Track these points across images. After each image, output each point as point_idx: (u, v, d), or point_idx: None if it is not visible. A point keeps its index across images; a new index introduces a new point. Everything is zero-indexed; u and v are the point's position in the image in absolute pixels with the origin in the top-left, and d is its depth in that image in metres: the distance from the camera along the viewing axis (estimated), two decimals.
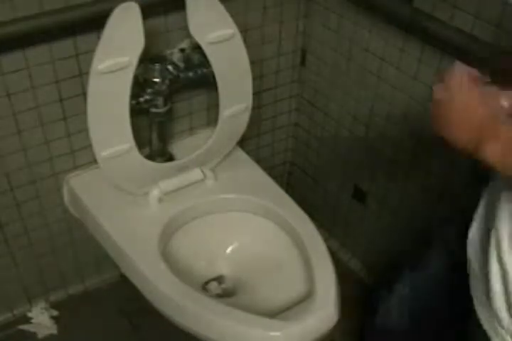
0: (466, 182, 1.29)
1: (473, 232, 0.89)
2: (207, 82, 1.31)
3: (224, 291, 1.34)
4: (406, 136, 1.41)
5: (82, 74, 1.24)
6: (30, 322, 1.59)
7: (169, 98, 1.32)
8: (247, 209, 1.39)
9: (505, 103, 0.73)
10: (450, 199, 1.38)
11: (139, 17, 1.10)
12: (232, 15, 1.21)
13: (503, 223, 0.77)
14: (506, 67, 0.77)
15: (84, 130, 1.24)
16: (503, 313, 0.78)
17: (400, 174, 1.49)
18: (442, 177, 1.37)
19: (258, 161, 1.49)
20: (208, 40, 1.21)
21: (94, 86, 1.14)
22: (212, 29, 1.20)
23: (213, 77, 1.28)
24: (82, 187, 1.37)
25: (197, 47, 1.25)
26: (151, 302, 1.22)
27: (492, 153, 0.70)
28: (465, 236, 0.90)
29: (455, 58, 0.82)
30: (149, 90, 1.26)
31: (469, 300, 0.87)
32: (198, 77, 1.30)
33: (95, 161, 1.28)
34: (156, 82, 1.25)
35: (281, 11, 1.45)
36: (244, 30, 1.33)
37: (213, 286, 1.35)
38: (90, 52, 1.15)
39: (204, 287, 1.34)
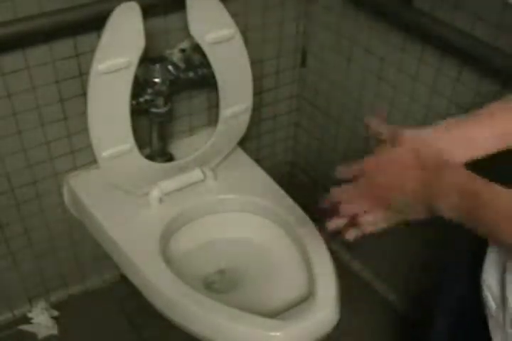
0: None
1: (487, 275, 0.82)
2: (207, 82, 1.31)
3: (223, 291, 1.34)
4: None
5: (82, 74, 1.24)
6: (31, 323, 1.59)
7: (169, 98, 1.31)
8: (247, 210, 1.39)
9: None
10: None
11: (139, 17, 1.10)
12: (232, 15, 1.21)
13: None
14: None
15: (85, 130, 1.24)
16: None
17: None
18: None
19: (258, 161, 1.49)
20: (208, 40, 1.21)
21: (95, 86, 1.14)
22: (212, 29, 1.20)
23: (213, 77, 1.28)
24: (82, 187, 1.37)
25: (197, 48, 1.25)
26: (151, 302, 1.22)
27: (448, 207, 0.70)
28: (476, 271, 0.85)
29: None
30: (149, 90, 1.26)
31: None
32: (198, 78, 1.30)
33: (95, 161, 1.28)
34: (156, 82, 1.25)
35: (281, 11, 1.45)
36: (244, 30, 1.33)
37: (213, 286, 1.35)
38: (90, 52, 1.15)
39: (204, 287, 1.34)
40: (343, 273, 1.27)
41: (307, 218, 1.31)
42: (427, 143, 0.76)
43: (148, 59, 1.22)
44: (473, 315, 0.95)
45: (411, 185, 0.74)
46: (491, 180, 0.69)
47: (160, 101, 1.29)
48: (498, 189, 0.67)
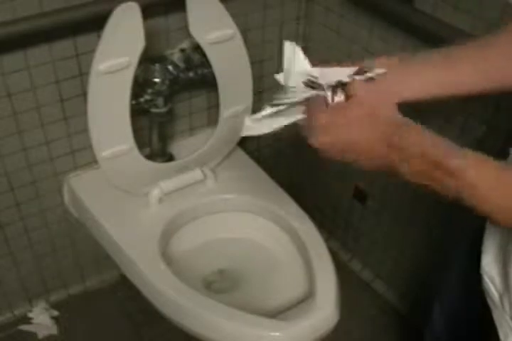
0: None
1: (488, 262, 0.82)
2: (207, 82, 1.31)
3: (223, 291, 1.34)
4: None
5: (82, 74, 1.24)
6: (31, 323, 1.59)
7: (169, 98, 1.31)
8: (247, 210, 1.39)
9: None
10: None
11: (139, 17, 1.10)
12: (232, 15, 1.21)
13: None
14: None
15: (85, 130, 1.24)
16: None
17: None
18: None
19: (258, 161, 1.49)
20: (208, 40, 1.21)
21: (95, 86, 1.14)
22: (212, 29, 1.20)
23: (213, 77, 1.28)
24: (82, 187, 1.37)
25: (197, 48, 1.25)
26: (151, 303, 1.22)
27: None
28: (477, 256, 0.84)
29: None
30: (149, 90, 1.26)
31: None
32: (198, 77, 1.30)
33: (95, 161, 1.28)
34: (156, 82, 1.25)
35: (281, 11, 1.45)
36: (244, 30, 1.33)
37: (213, 286, 1.35)
38: (90, 52, 1.15)
39: (204, 287, 1.34)
40: (343, 273, 1.27)
41: (307, 218, 1.31)
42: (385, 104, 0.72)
43: (148, 59, 1.23)
44: (473, 315, 0.95)
45: (377, 162, 0.71)
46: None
47: (160, 101, 1.29)
48: (462, 156, 0.65)
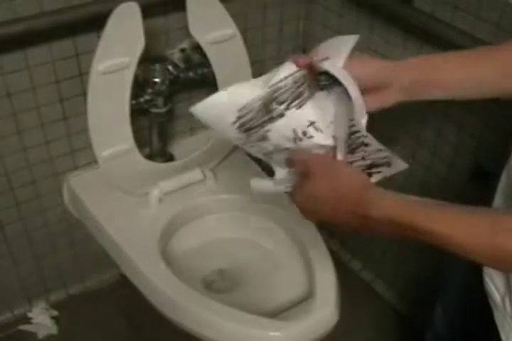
0: (466, 182, 1.29)
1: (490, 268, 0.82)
2: (207, 82, 1.31)
3: (223, 291, 1.34)
4: (405, 135, 1.41)
5: (82, 74, 1.24)
6: (31, 323, 1.59)
7: (169, 98, 1.32)
8: (247, 210, 1.38)
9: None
10: (450, 199, 1.37)
11: (139, 17, 1.10)
12: (232, 15, 1.21)
13: None
14: None
15: (85, 130, 1.24)
16: None
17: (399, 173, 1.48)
18: (442, 177, 1.37)
19: (258, 161, 1.49)
20: (208, 40, 1.21)
21: (94, 86, 1.14)
22: (212, 29, 1.20)
23: (213, 77, 1.28)
24: (82, 187, 1.37)
25: (197, 48, 1.25)
26: (151, 302, 1.22)
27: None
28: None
29: None
30: (149, 90, 1.26)
31: None
32: (198, 77, 1.30)
33: (95, 161, 1.28)
34: (156, 82, 1.25)
35: (281, 11, 1.45)
36: (244, 30, 1.33)
37: (213, 286, 1.35)
38: (90, 52, 1.15)
39: (204, 287, 1.34)
40: (343, 273, 1.27)
41: None
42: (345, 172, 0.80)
43: (149, 59, 1.22)
44: (473, 315, 0.95)
45: (350, 227, 0.78)
46: None
47: (160, 101, 1.29)
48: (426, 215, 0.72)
